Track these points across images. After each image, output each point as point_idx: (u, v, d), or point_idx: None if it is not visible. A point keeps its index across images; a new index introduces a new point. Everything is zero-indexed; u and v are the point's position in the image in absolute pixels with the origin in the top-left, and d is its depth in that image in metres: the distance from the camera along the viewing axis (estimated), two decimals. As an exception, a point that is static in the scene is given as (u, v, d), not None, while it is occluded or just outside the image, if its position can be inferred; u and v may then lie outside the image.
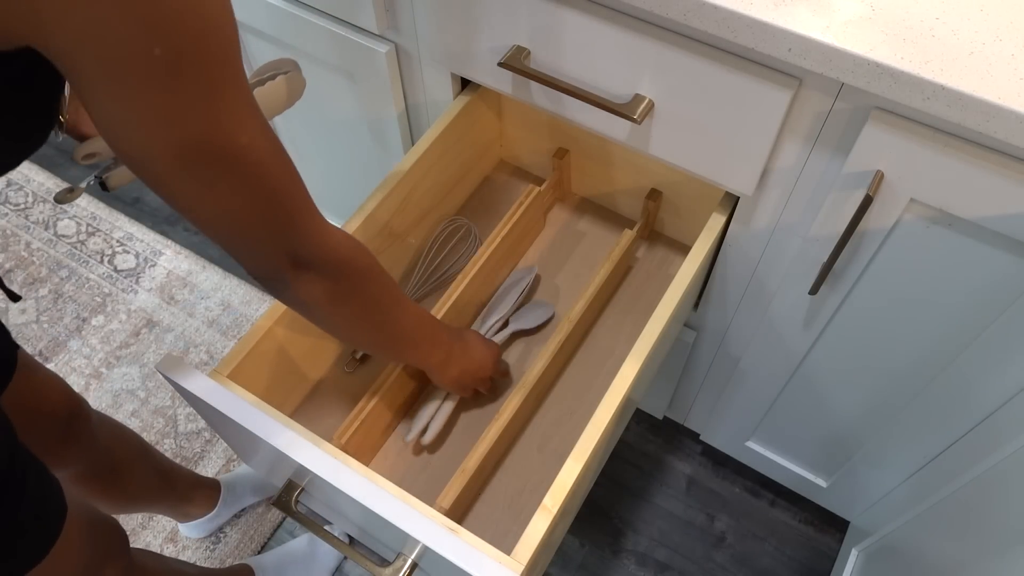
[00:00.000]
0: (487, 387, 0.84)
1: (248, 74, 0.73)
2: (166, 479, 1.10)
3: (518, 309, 0.92)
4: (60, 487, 0.69)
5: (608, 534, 1.26)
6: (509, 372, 0.89)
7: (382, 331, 0.68)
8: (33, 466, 0.65)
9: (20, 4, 0.36)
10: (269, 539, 1.27)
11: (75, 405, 0.89)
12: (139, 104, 0.41)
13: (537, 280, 0.95)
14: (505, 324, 0.91)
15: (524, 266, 0.97)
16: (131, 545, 0.84)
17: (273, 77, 0.74)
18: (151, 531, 1.27)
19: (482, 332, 0.90)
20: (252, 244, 0.53)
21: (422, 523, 0.59)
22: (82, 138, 0.69)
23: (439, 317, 0.83)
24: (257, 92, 0.73)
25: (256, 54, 1.04)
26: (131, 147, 0.44)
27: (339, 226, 0.79)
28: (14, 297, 0.74)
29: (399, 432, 0.85)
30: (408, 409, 0.86)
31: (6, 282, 1.53)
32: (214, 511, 1.21)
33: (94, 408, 0.95)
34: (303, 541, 1.23)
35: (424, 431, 0.84)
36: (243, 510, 1.28)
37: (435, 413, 0.84)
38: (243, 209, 0.49)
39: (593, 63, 0.72)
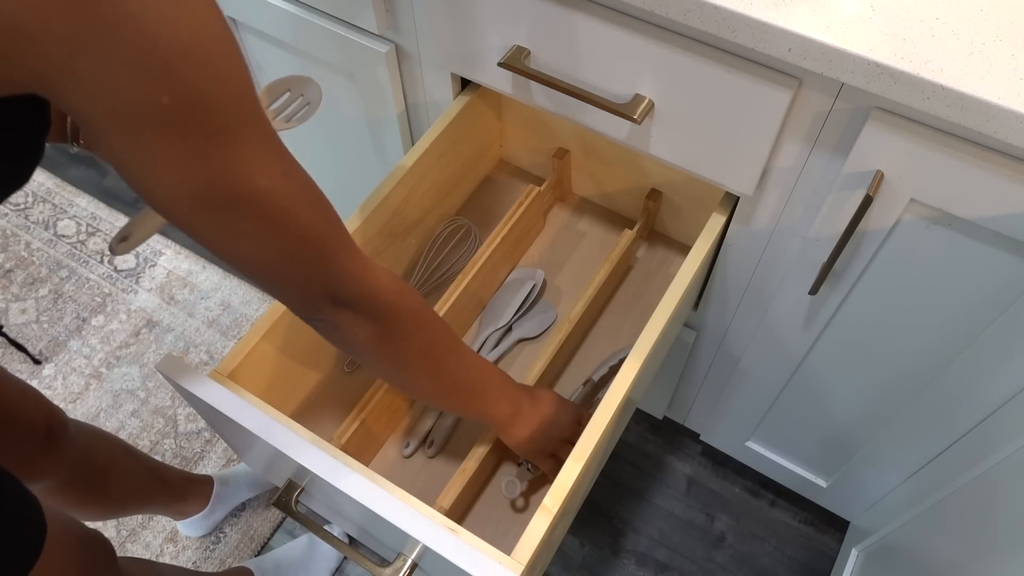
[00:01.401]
0: (568, 452, 0.72)
1: (259, 87, 0.73)
2: (155, 476, 1.10)
3: (523, 315, 0.92)
4: (39, 504, 0.67)
5: (608, 534, 1.26)
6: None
7: (437, 379, 0.65)
8: (9, 484, 0.64)
9: (30, 58, 0.36)
10: (269, 539, 1.27)
11: (51, 414, 0.88)
12: (152, 151, 0.41)
13: (544, 285, 0.95)
14: (508, 331, 0.91)
15: (526, 266, 0.97)
16: (129, 548, 0.84)
17: (296, 112, 0.74)
18: (151, 531, 1.27)
19: (484, 337, 0.90)
20: (287, 286, 0.52)
21: (422, 523, 0.59)
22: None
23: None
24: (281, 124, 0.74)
25: (256, 54, 1.04)
26: (151, 194, 0.44)
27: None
28: (36, 360, 0.72)
29: (399, 433, 0.85)
30: (408, 409, 0.86)
31: (6, 282, 1.53)
32: (208, 506, 1.21)
33: (91, 411, 0.94)
34: (302, 542, 1.23)
35: (423, 442, 0.84)
36: (242, 508, 1.28)
37: (434, 425, 0.84)
38: (272, 252, 0.49)
39: (593, 63, 0.72)
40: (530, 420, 0.72)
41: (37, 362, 1.44)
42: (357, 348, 0.58)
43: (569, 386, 0.88)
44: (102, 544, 0.81)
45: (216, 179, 0.43)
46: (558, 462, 0.75)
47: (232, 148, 0.43)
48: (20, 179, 0.48)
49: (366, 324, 0.56)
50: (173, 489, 1.15)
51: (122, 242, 0.69)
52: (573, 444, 0.70)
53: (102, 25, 0.36)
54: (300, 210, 0.48)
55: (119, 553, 1.19)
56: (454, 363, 0.65)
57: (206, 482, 1.22)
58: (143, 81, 0.38)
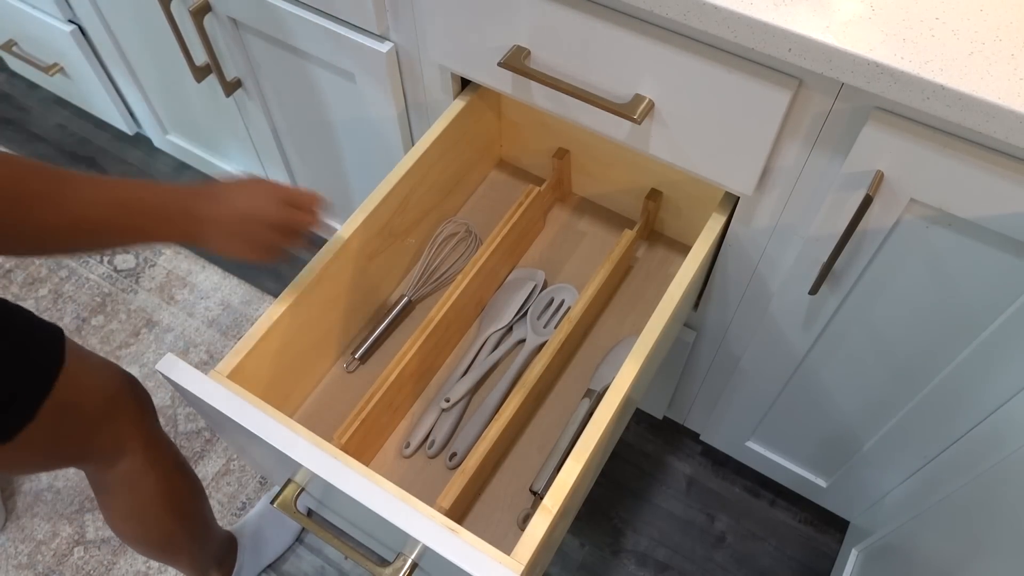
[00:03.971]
0: (289, 235, 0.68)
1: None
2: (209, 528, 1.06)
3: (523, 316, 0.92)
4: (57, 330, 0.73)
5: (608, 534, 1.26)
6: (316, 206, 0.70)
7: (58, 232, 0.56)
8: (20, 314, 0.68)
9: None
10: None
11: (125, 380, 0.87)
12: None
13: (544, 285, 0.95)
14: (509, 331, 0.91)
15: (526, 266, 0.97)
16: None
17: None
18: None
19: (484, 337, 0.90)
20: None
21: (422, 523, 0.59)
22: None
23: (439, 317, 0.83)
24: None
25: (256, 54, 1.04)
26: None
27: (339, 227, 0.79)
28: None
29: (399, 432, 0.85)
30: (408, 409, 0.86)
31: (6, 282, 1.53)
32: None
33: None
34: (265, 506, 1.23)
35: (424, 442, 0.84)
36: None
37: (435, 424, 0.84)
38: None
39: (593, 63, 0.72)
40: (217, 223, 0.64)
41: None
42: None
43: (569, 389, 0.88)
44: (138, 384, 0.85)
45: None
46: (276, 246, 0.68)
47: None
48: None
49: None
50: (209, 549, 1.09)
51: None
52: (288, 226, 0.67)
53: None
54: None
55: (110, 571, 1.20)
56: (67, 205, 0.56)
57: (231, 547, 1.16)
58: None
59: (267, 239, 0.67)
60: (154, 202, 0.62)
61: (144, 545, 0.97)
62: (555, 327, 0.90)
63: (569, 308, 0.91)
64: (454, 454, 0.82)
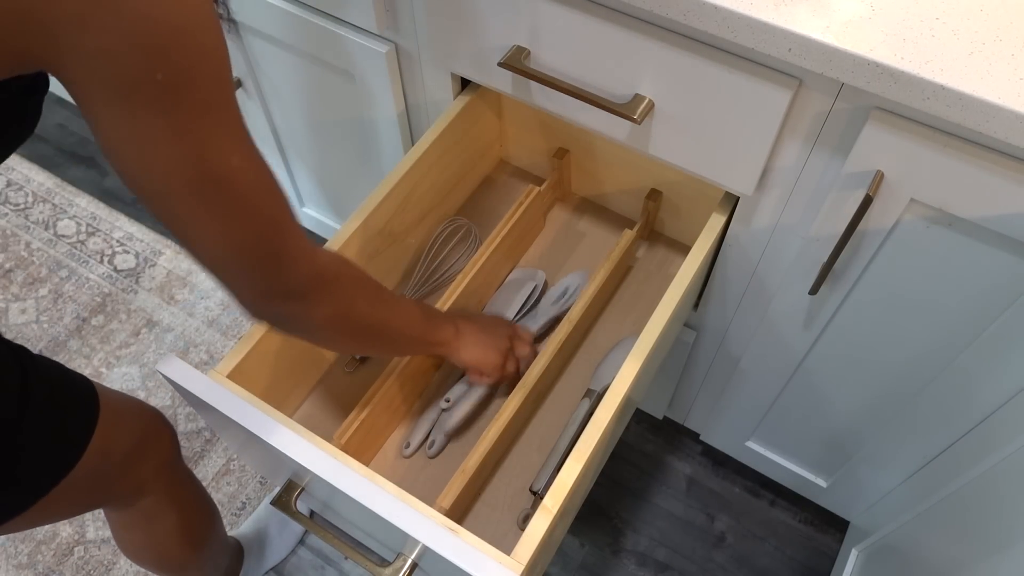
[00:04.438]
0: (515, 363, 0.82)
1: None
2: (221, 549, 1.07)
3: (524, 316, 0.92)
4: (88, 382, 0.73)
5: (608, 534, 1.26)
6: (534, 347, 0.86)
7: (389, 332, 0.69)
8: (55, 368, 0.70)
9: (39, 34, 0.41)
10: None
11: (151, 420, 0.86)
12: (142, 124, 0.44)
13: (545, 286, 0.95)
14: None
15: (526, 266, 0.97)
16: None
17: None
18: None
19: None
20: (246, 272, 0.53)
21: (422, 523, 0.59)
22: None
23: (439, 317, 0.83)
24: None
25: (256, 54, 1.04)
26: (133, 168, 0.46)
27: (339, 227, 0.79)
28: None
29: (399, 433, 0.85)
30: (408, 409, 0.86)
31: (6, 282, 1.53)
32: None
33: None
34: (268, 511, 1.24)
35: (424, 442, 0.84)
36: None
37: (434, 425, 0.84)
38: (237, 233, 0.51)
39: (593, 63, 0.72)
40: (472, 333, 0.77)
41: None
42: (314, 331, 0.61)
43: (570, 389, 0.88)
44: (163, 420, 0.86)
45: (195, 154, 0.46)
46: (513, 368, 0.82)
47: (214, 124, 0.46)
48: (28, 132, 0.54)
49: (319, 307, 0.58)
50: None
51: None
52: (514, 351, 0.81)
53: (107, 6, 0.40)
54: (264, 192, 0.51)
55: (110, 571, 1.20)
56: (396, 309, 0.68)
57: (237, 555, 1.17)
58: (141, 55, 0.42)
59: (503, 349, 0.80)
60: (433, 311, 0.76)
61: (158, 569, 0.96)
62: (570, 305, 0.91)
63: (579, 290, 0.92)
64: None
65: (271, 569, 1.23)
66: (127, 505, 0.85)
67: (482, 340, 0.78)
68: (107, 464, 0.75)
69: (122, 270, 1.57)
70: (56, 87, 0.48)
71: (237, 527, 1.27)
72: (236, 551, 1.15)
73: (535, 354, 0.84)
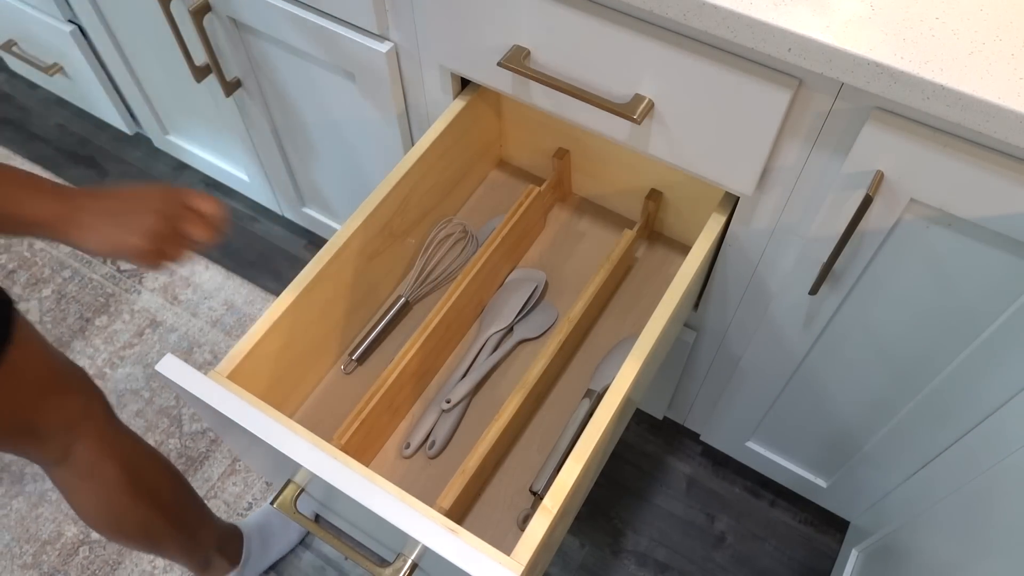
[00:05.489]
0: (181, 241, 0.65)
1: None
2: (202, 509, 1.05)
3: (524, 316, 0.92)
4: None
5: (608, 534, 1.26)
6: (213, 212, 0.66)
7: None
8: None
9: None
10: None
11: (74, 365, 0.85)
12: None
13: (545, 288, 0.95)
14: (510, 332, 0.91)
15: (526, 266, 0.97)
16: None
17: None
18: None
19: (485, 338, 0.90)
20: None
21: (422, 523, 0.59)
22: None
23: (439, 318, 0.83)
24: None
25: (256, 54, 1.04)
26: None
27: (339, 227, 0.79)
28: None
29: (399, 433, 0.85)
30: (408, 409, 0.86)
31: (9, 282, 1.53)
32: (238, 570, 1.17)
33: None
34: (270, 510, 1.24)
35: (424, 442, 0.84)
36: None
37: (435, 424, 0.84)
38: None
39: (593, 63, 0.72)
40: (95, 212, 0.61)
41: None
42: None
43: (569, 389, 0.88)
44: (92, 382, 0.83)
45: None
46: (177, 249, 0.65)
47: None
48: None
49: None
50: (209, 534, 1.07)
51: None
52: (180, 228, 0.63)
53: None
54: None
55: (115, 571, 1.20)
56: None
57: (235, 537, 1.16)
58: None
59: (148, 226, 0.62)
60: (26, 176, 0.60)
61: (123, 536, 0.94)
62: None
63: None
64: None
65: (270, 569, 1.23)
66: (62, 456, 0.84)
67: (110, 219, 0.62)
68: (23, 378, 0.72)
69: (125, 270, 1.57)
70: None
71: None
72: (231, 533, 1.14)
73: (205, 224, 0.65)
